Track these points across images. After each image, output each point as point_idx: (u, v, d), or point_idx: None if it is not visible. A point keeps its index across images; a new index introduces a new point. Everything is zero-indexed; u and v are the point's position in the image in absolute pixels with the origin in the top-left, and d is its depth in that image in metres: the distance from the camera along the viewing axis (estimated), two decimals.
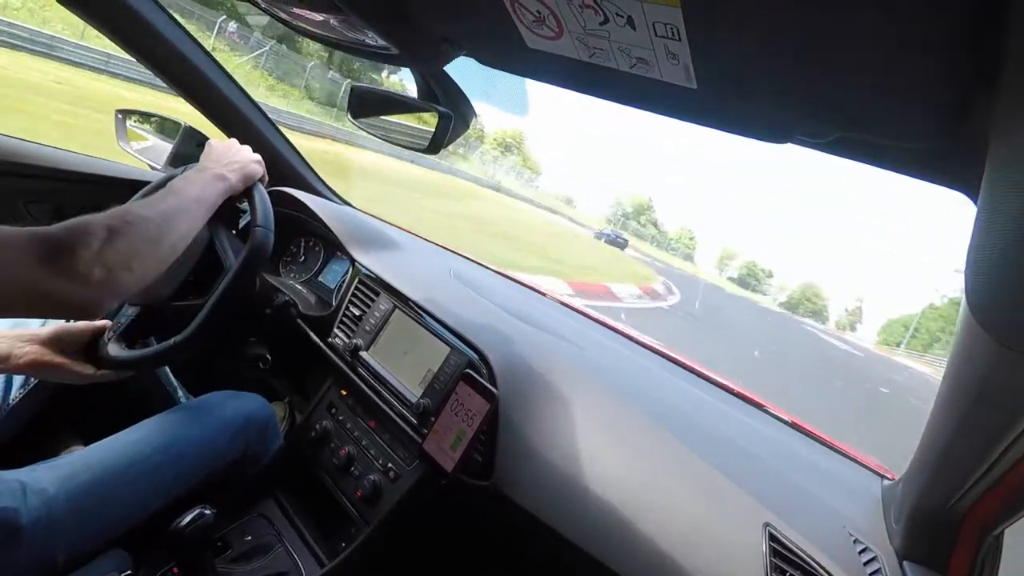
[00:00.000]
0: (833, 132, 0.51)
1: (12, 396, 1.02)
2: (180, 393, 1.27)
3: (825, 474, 1.05)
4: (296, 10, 0.71)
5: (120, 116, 1.48)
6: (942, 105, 0.40)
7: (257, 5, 0.79)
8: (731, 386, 1.31)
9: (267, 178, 1.08)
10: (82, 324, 0.95)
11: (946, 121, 0.41)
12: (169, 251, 0.79)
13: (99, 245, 0.67)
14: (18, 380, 1.03)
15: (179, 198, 0.84)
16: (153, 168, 1.46)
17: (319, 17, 0.70)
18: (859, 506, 0.92)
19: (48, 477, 0.83)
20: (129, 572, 0.91)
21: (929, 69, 0.36)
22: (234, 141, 1.07)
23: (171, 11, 1.20)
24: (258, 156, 1.07)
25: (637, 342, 1.48)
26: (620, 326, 1.54)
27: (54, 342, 0.91)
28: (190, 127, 1.42)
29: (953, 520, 0.71)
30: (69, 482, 0.84)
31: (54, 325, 0.93)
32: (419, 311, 1.17)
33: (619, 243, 39.33)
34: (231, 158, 1.01)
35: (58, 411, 1.09)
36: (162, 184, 1.14)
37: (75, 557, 0.84)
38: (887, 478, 1.02)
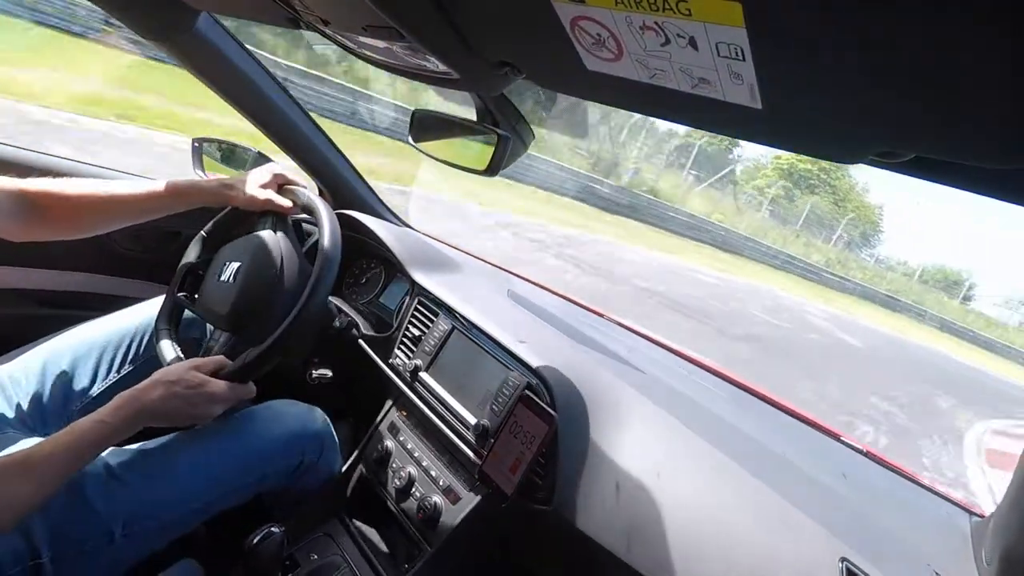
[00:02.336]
0: (910, 152, 0.48)
1: (92, 391, 1.07)
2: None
3: (905, 507, 0.98)
4: (361, 39, 0.73)
5: (196, 144, 1.56)
6: None
7: (325, 35, 0.82)
8: (804, 415, 1.25)
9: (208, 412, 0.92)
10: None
11: None
12: None
13: None
14: (100, 374, 1.08)
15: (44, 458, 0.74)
16: None
17: (383, 45, 0.72)
18: (945, 543, 0.86)
19: (116, 458, 0.90)
20: None
21: (1020, 86, 0.34)
22: (222, 395, 0.92)
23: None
24: (221, 412, 0.94)
25: (701, 366, 1.43)
26: (682, 349, 1.49)
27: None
28: (260, 153, 1.48)
29: None
30: (132, 469, 0.90)
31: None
32: (478, 332, 1.18)
33: None
34: (190, 411, 0.89)
35: None
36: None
37: (148, 540, 0.90)
38: (975, 514, 0.95)
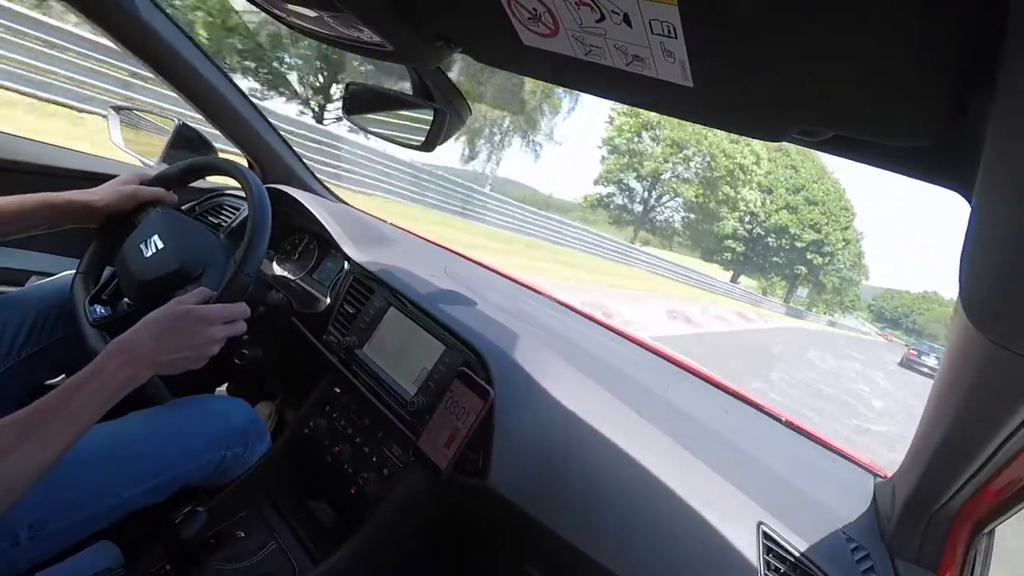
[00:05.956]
0: (827, 131, 0.51)
1: None
2: (162, 391, 1.26)
3: (819, 473, 1.05)
4: (291, 7, 0.71)
5: (114, 112, 1.47)
6: (938, 104, 0.40)
7: (253, 2, 0.79)
8: (727, 386, 1.32)
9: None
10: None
11: (942, 120, 0.41)
12: None
13: None
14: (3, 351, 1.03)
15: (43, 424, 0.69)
16: (146, 165, 1.45)
17: (314, 14, 0.70)
18: (853, 504, 0.93)
19: None
20: (123, 566, 0.90)
21: (925, 67, 0.36)
22: (214, 312, 0.87)
23: None
24: (223, 335, 0.88)
25: (632, 340, 1.48)
26: (614, 324, 1.54)
27: None
28: (183, 124, 1.41)
29: (945, 518, 0.72)
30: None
31: None
32: (414, 308, 1.17)
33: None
34: (189, 341, 0.83)
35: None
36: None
37: (57, 541, 0.84)
38: (880, 476, 1.03)
